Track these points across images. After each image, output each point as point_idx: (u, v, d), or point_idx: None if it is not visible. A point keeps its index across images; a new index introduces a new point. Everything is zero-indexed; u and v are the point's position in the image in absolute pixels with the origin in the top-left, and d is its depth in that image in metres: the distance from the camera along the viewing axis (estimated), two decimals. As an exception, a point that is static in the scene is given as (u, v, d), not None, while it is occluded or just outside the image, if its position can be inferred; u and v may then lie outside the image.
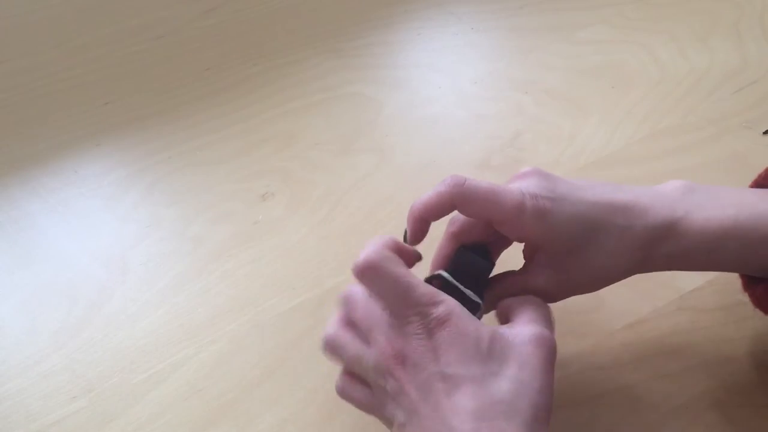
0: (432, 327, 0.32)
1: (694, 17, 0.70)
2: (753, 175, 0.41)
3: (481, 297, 0.36)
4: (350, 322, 0.36)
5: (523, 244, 0.39)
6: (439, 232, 0.49)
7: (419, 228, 0.37)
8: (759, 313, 0.39)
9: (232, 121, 0.63)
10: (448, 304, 0.32)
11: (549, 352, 0.32)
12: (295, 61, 0.69)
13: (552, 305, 0.36)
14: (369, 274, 0.34)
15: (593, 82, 0.64)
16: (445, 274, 0.36)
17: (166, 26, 0.74)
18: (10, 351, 0.46)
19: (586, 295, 0.45)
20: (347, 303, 0.36)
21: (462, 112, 0.62)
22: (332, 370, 0.43)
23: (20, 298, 0.50)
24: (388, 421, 0.34)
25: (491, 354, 0.32)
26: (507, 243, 0.40)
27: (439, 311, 0.32)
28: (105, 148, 0.61)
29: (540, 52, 0.68)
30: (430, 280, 0.37)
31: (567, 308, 0.45)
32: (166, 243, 0.52)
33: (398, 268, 0.33)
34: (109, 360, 0.45)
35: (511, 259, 0.40)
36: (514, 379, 0.31)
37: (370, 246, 0.34)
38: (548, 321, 0.34)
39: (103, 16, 0.76)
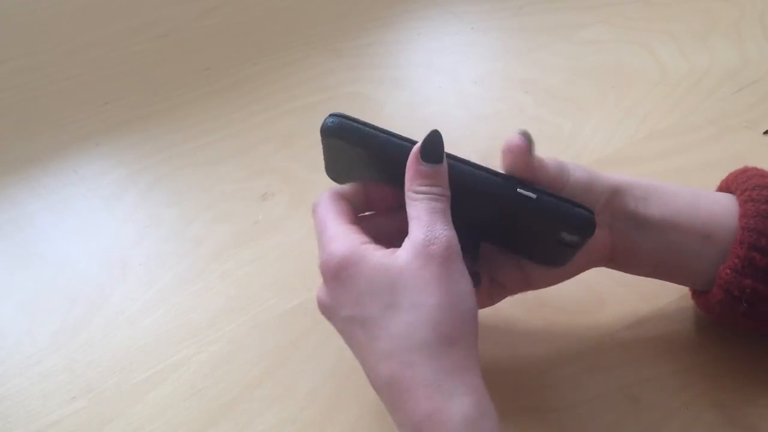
0: (332, 274, 0.33)
1: (694, 17, 0.70)
2: (753, 175, 0.41)
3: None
4: None
5: None
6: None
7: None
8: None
9: (232, 121, 0.63)
10: (344, 252, 0.32)
11: (439, 259, 0.31)
12: (295, 61, 0.69)
13: (552, 307, 0.36)
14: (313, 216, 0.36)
15: (593, 82, 0.64)
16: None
17: (166, 26, 0.74)
18: (10, 351, 0.46)
19: (587, 295, 0.45)
20: None
21: (462, 112, 0.62)
22: (332, 370, 0.43)
23: (20, 298, 0.49)
24: None
25: (390, 288, 0.31)
26: None
27: (334, 260, 0.33)
28: (105, 148, 0.61)
29: (540, 52, 0.68)
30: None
31: (567, 308, 0.45)
32: (166, 243, 0.52)
33: (328, 214, 0.35)
34: (109, 360, 0.45)
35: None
36: (409, 307, 0.30)
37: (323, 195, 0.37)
38: (435, 214, 0.32)
39: (103, 16, 0.76)
